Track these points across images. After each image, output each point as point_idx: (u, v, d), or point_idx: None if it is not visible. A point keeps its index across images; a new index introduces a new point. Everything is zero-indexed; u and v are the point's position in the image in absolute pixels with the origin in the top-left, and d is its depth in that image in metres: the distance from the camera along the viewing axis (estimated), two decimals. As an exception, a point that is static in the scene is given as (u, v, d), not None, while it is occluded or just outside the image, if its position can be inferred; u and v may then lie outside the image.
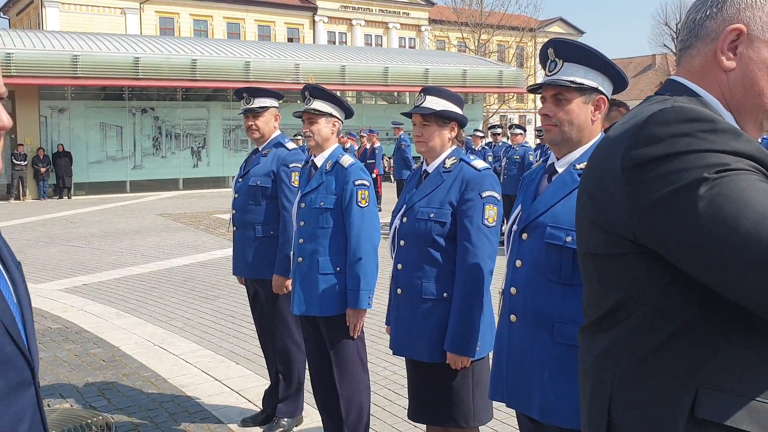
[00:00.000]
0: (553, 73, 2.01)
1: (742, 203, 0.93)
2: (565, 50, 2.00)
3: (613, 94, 2.09)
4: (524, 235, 2.02)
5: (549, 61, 2.03)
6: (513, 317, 2.02)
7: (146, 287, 7.48)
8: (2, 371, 0.94)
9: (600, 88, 2.01)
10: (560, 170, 2.03)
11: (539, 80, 2.11)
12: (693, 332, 1.04)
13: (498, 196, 2.61)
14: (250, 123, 3.80)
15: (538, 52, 2.12)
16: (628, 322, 1.09)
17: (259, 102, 3.79)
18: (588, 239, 1.16)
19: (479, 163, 2.66)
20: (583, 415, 1.17)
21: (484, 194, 2.57)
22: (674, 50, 33.70)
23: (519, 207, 2.10)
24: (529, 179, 2.15)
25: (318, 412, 3.47)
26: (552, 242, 1.94)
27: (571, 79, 1.98)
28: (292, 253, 3.39)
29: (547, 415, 1.90)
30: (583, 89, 1.99)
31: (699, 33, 1.17)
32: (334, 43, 37.86)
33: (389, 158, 18.34)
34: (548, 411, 1.90)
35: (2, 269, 1.03)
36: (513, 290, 2.03)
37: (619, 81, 2.06)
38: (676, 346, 1.04)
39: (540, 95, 2.07)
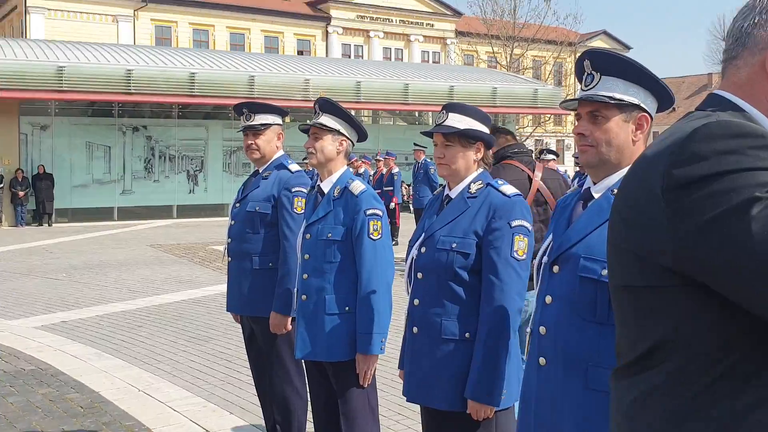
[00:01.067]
0: (589, 87, 2.03)
1: None
2: (604, 62, 2.02)
3: (658, 111, 2.11)
4: (555, 268, 2.02)
5: (585, 74, 2.05)
6: (542, 360, 2.02)
7: (132, 326, 7.52)
8: None
9: (642, 104, 2.02)
10: (597, 195, 2.04)
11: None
12: (744, 375, 1.03)
13: (529, 225, 2.63)
14: (249, 142, 3.85)
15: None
16: (669, 365, 1.09)
17: (260, 118, 3.84)
18: (622, 270, 1.16)
19: (509, 189, 2.69)
20: None
21: (513, 223, 2.59)
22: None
23: (550, 236, 2.11)
24: (563, 206, 2.17)
25: (321, 469, 3.46)
26: (586, 275, 1.94)
27: (610, 94, 1.99)
28: (295, 289, 3.41)
29: None
30: (623, 106, 2.00)
31: (746, 42, 1.19)
32: (349, 56, 38.37)
33: (408, 185, 18.40)
34: None
35: None
36: (542, 330, 2.03)
37: (664, 97, 2.07)
38: (723, 390, 1.04)
39: (575, 113, 2.08)
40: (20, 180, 18.53)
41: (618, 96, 1.99)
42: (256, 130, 3.84)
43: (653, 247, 1.09)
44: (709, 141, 1.04)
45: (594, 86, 2.02)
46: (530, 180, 4.25)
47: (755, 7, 1.19)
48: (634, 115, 2.02)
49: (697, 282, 1.04)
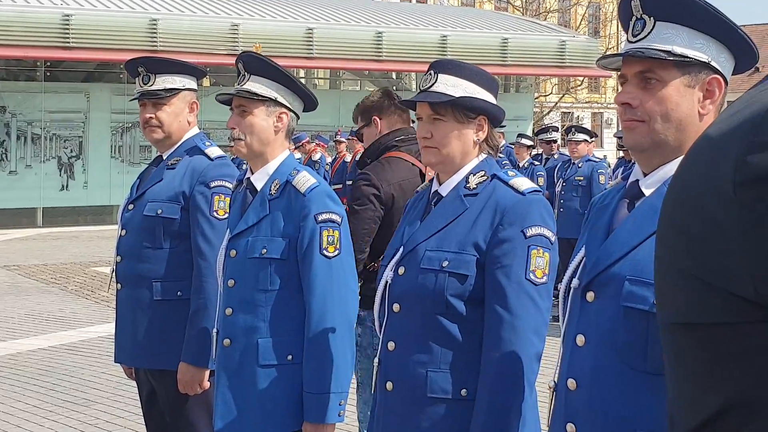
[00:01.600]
0: (639, 38, 2.05)
1: None
2: (659, 2, 2.04)
3: (735, 73, 2.13)
4: (590, 295, 2.06)
5: (633, 19, 2.08)
6: (571, 427, 2.05)
7: (-24, 384, 7.44)
8: None
9: (713, 62, 2.05)
10: (648, 192, 2.07)
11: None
12: None
13: (552, 234, 2.66)
14: (148, 115, 3.86)
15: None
16: None
17: (163, 81, 3.85)
18: (677, 300, 1.17)
19: (523, 182, 2.72)
20: None
21: (530, 232, 2.61)
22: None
23: (582, 250, 2.14)
24: (600, 206, 2.20)
25: None
26: (633, 306, 1.97)
27: (669, 48, 2.02)
28: (214, 330, 3.41)
29: None
30: (686, 64, 2.03)
31: None
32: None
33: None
34: None
35: None
36: (571, 383, 2.06)
37: (744, 52, 2.10)
38: None
39: (619, 74, 2.11)
40: None
41: (679, 50, 2.02)
42: (157, 98, 3.84)
43: (724, 269, 1.09)
44: None
45: (646, 36, 2.04)
46: (423, 177, 4.25)
47: None
48: (701, 78, 2.05)
49: None
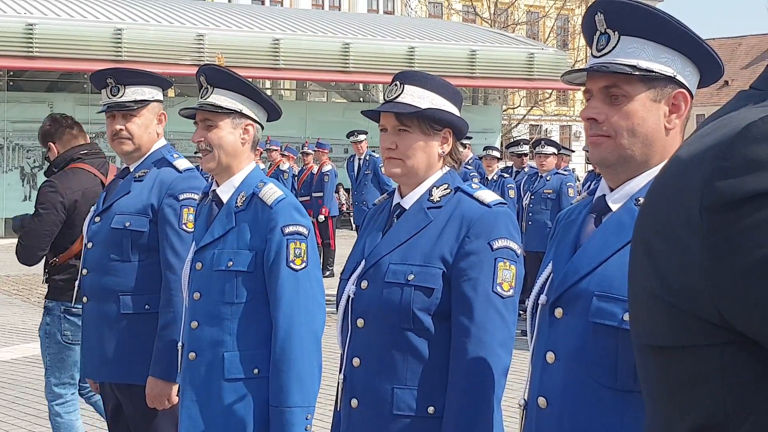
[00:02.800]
0: (604, 53, 2.05)
1: None
2: (624, 17, 2.04)
3: (701, 86, 2.14)
4: (558, 312, 2.05)
5: (598, 34, 2.07)
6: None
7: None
8: None
9: (679, 77, 2.05)
10: (615, 207, 2.07)
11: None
12: None
13: (518, 248, 2.66)
14: (118, 127, 3.84)
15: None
16: None
17: (133, 93, 3.83)
18: (649, 323, 1.18)
19: (487, 195, 2.71)
20: None
21: (496, 245, 2.60)
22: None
23: (549, 266, 2.13)
24: (566, 221, 2.19)
25: None
26: (602, 322, 1.96)
27: (634, 62, 2.01)
28: (180, 344, 3.39)
29: None
30: (651, 78, 2.03)
31: None
32: (263, 3, 38.42)
33: (347, 190, 18.47)
34: None
35: None
36: (542, 401, 2.05)
37: (709, 66, 2.10)
38: None
39: (584, 89, 2.10)
40: None
41: (645, 64, 2.02)
42: (128, 110, 3.83)
43: (689, 293, 1.10)
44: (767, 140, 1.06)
45: (610, 51, 2.04)
46: (104, 185, 4.61)
47: None
48: (667, 92, 2.05)
49: (751, 338, 1.06)
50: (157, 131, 3.93)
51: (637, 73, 2.01)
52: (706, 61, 2.09)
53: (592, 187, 2.38)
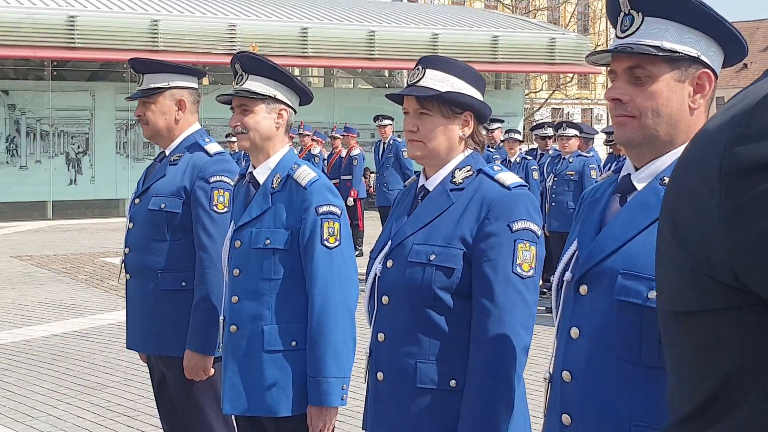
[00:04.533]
0: (628, 33, 2.01)
1: None
2: None
3: (725, 66, 2.09)
4: (583, 289, 2.01)
5: (622, 15, 2.03)
6: (566, 418, 2.01)
7: (-7, 369, 7.42)
8: None
9: (702, 57, 2.00)
10: (640, 186, 2.03)
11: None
12: None
13: (538, 229, 2.62)
14: (139, 113, 3.88)
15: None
16: (740, 415, 1.10)
17: (152, 80, 3.84)
18: (673, 290, 1.18)
19: (508, 177, 2.67)
20: None
21: (515, 226, 2.56)
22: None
23: (574, 243, 2.10)
24: (591, 200, 2.16)
25: None
26: (627, 299, 1.92)
27: (657, 43, 1.97)
28: (221, 317, 3.41)
29: None
30: (675, 59, 1.98)
31: None
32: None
33: (374, 173, 18.38)
34: None
35: None
36: (566, 375, 2.02)
37: (733, 47, 2.05)
38: None
39: (608, 69, 2.07)
40: None
41: (668, 45, 1.98)
42: (146, 97, 3.84)
43: (710, 257, 1.09)
44: None
45: (635, 32, 2.00)
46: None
47: None
48: (691, 72, 2.00)
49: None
50: (177, 117, 3.89)
51: (661, 53, 1.96)
52: (730, 41, 2.04)
53: (613, 168, 2.30)
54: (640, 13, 2.00)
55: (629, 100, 2.00)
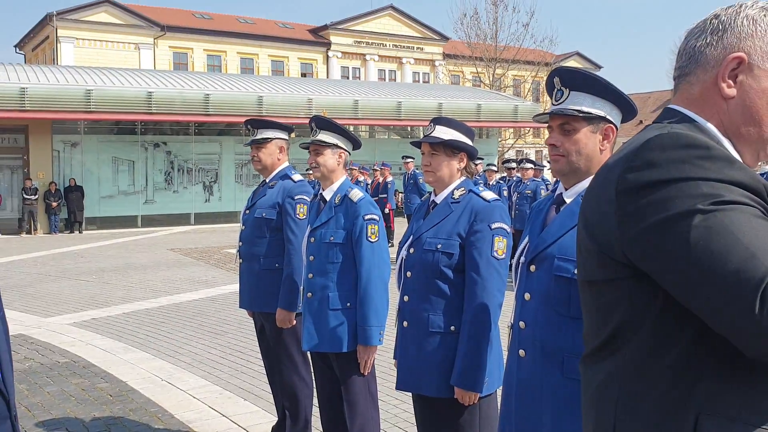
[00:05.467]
0: (559, 102, 1.99)
1: (733, 240, 0.95)
2: (572, 79, 1.99)
3: (622, 122, 2.08)
4: (532, 267, 1.99)
5: (555, 90, 2.02)
6: (522, 352, 1.99)
7: (155, 322, 7.50)
8: None
9: (608, 117, 1.99)
10: (568, 201, 2.01)
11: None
12: (691, 359, 1.04)
13: (507, 228, 2.61)
14: (253, 154, 3.85)
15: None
16: (627, 349, 1.10)
17: (262, 133, 3.82)
18: (585, 266, 1.17)
19: (488, 195, 2.67)
20: None
21: (493, 226, 2.56)
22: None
23: (527, 238, 2.08)
24: (537, 210, 2.14)
25: (326, 449, 3.44)
26: (560, 275, 1.91)
27: (578, 108, 1.96)
28: (301, 287, 3.40)
29: None
30: (590, 118, 1.97)
31: (698, 60, 1.18)
32: (348, 77, 38.36)
33: (400, 193, 18.40)
34: None
35: None
36: (522, 324, 2.00)
37: (628, 110, 2.04)
38: (675, 372, 1.05)
39: (548, 125, 2.06)
40: (53, 192, 18.51)
41: (585, 109, 1.96)
42: (259, 144, 3.83)
43: (608, 245, 1.09)
44: (660, 150, 1.05)
45: (564, 101, 1.99)
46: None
47: (706, 29, 1.19)
48: (600, 126, 1.99)
49: (645, 273, 1.05)
50: (279, 157, 3.85)
51: (581, 115, 1.96)
52: (626, 107, 2.03)
53: (551, 189, 2.27)
54: (567, 89, 1.99)
55: (561, 145, 1.99)
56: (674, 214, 1.00)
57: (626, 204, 1.05)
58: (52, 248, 14.96)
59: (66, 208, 18.72)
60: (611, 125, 2.00)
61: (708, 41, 1.18)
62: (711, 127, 1.16)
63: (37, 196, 18.38)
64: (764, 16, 1.16)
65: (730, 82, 1.15)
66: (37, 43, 36.36)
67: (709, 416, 1.02)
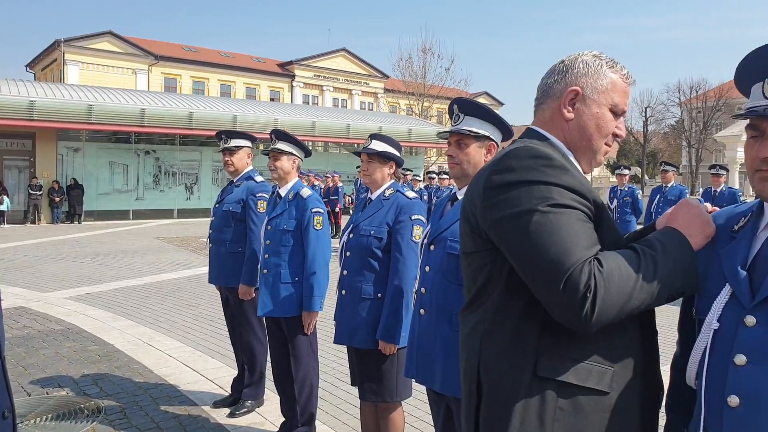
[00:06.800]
0: (457, 123, 2.07)
1: (556, 237, 1.03)
2: (466, 107, 2.07)
3: (502, 141, 2.15)
4: (432, 247, 2.05)
5: (454, 114, 2.10)
6: (422, 311, 2.05)
7: (140, 296, 7.28)
8: None
9: (491, 136, 2.08)
10: (460, 197, 2.09)
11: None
12: (530, 311, 1.11)
13: (423, 219, 2.66)
14: (226, 159, 3.78)
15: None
16: (487, 304, 1.16)
17: (234, 142, 3.76)
18: (463, 241, 1.24)
19: (411, 194, 2.72)
20: (462, 376, 1.23)
21: (413, 217, 2.62)
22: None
23: (429, 225, 2.15)
24: (438, 204, 2.21)
25: (277, 395, 3.43)
26: (451, 252, 1.98)
27: (469, 128, 2.04)
28: (259, 266, 3.36)
29: (446, 388, 1.94)
30: (478, 137, 2.05)
31: (549, 93, 1.28)
32: (308, 103, 38.07)
33: (350, 195, 18.39)
34: (446, 385, 1.94)
35: None
36: (423, 290, 2.06)
37: (506, 131, 2.14)
38: (520, 322, 1.12)
39: (448, 141, 2.13)
40: (56, 189, 17.65)
41: (475, 130, 2.04)
42: (231, 151, 3.76)
43: (477, 226, 1.16)
44: (517, 158, 1.12)
45: (460, 123, 2.06)
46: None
47: (555, 71, 1.28)
48: (485, 143, 2.07)
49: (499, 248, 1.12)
50: (247, 162, 3.80)
51: (472, 134, 2.03)
52: (505, 129, 2.12)
53: (451, 190, 2.30)
54: (463, 114, 2.06)
55: (456, 155, 2.06)
56: (519, 211, 1.07)
57: (489, 197, 1.11)
58: (53, 235, 14.25)
59: (67, 203, 17.87)
60: (493, 142, 2.09)
61: (555, 79, 1.27)
62: (558, 142, 1.24)
63: (41, 192, 17.48)
64: (594, 61, 1.26)
65: (570, 108, 1.24)
66: (46, 64, 34.53)
67: (545, 355, 1.10)
